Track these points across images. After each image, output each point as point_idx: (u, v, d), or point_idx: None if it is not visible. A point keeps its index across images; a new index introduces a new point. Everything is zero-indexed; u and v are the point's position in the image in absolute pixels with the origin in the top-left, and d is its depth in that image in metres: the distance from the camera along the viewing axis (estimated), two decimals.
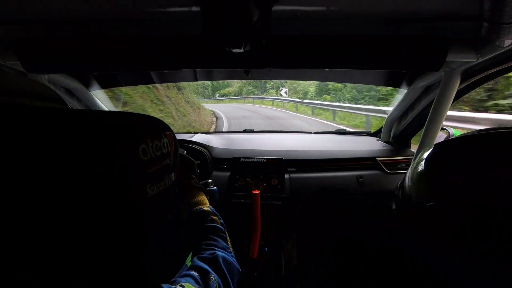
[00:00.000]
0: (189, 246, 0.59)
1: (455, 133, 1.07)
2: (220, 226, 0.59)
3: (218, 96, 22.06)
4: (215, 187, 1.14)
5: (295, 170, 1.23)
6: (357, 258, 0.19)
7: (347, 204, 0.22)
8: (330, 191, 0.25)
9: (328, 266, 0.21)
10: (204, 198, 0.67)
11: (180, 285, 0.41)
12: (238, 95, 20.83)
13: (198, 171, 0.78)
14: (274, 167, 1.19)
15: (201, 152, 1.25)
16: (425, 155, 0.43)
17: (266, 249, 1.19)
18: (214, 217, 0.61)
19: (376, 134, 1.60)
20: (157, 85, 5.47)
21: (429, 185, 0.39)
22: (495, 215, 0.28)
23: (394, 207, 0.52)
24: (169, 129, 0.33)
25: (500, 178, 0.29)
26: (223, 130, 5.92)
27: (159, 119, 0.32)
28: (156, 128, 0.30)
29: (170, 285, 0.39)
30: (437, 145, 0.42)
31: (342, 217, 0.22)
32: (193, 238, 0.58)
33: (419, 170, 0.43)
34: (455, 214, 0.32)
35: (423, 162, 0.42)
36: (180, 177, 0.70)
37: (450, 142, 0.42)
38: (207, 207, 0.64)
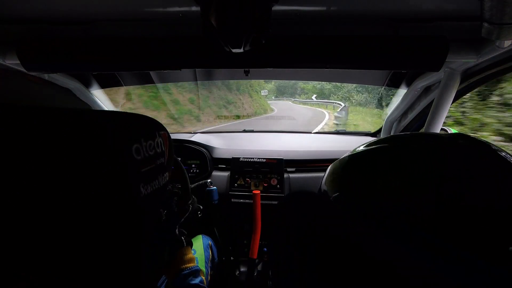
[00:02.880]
0: None
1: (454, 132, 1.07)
2: None
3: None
4: (214, 187, 1.14)
5: (294, 170, 1.23)
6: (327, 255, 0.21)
7: (315, 206, 0.24)
8: (301, 194, 0.27)
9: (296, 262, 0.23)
10: (193, 256, 0.67)
11: None
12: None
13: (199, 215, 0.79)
14: (273, 167, 1.19)
15: (201, 152, 1.25)
16: (344, 156, 0.50)
17: (266, 249, 1.19)
18: (204, 278, 0.63)
19: (375, 134, 1.60)
20: None
21: (337, 179, 0.47)
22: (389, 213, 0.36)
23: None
24: (164, 129, 0.33)
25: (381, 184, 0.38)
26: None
27: (153, 119, 0.32)
28: (150, 128, 0.31)
29: None
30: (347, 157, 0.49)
31: (312, 217, 0.24)
32: None
33: (335, 165, 0.51)
34: (353, 207, 0.40)
35: (341, 161, 0.50)
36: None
37: (354, 155, 0.48)
38: (199, 267, 0.65)
